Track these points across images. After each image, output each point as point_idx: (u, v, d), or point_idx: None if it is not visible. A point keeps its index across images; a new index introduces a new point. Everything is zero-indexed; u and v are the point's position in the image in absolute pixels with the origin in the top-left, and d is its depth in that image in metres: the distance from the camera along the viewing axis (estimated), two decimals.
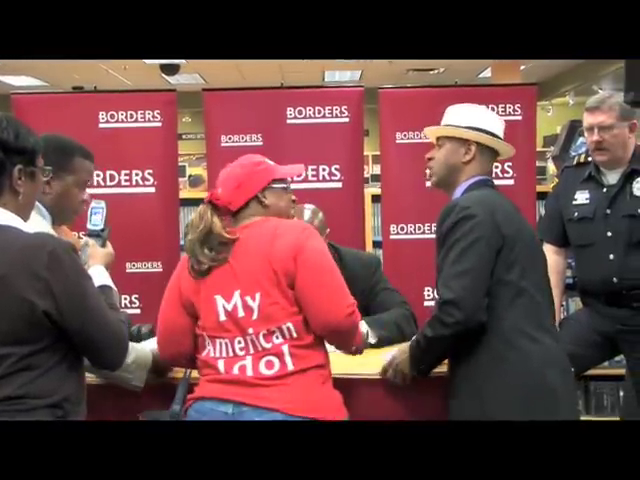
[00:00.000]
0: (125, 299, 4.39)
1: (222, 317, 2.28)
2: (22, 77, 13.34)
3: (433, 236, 4.48)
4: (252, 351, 2.24)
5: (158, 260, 4.48)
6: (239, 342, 2.25)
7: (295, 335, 2.24)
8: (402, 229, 4.52)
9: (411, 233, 4.52)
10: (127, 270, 4.42)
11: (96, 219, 2.45)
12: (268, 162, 2.51)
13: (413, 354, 2.50)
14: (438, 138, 2.66)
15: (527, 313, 2.38)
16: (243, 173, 2.43)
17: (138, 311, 4.38)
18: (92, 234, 2.44)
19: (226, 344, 2.28)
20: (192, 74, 13.42)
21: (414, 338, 2.54)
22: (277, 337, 2.23)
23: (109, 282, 2.27)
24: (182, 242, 4.61)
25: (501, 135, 2.65)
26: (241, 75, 13.24)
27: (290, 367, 2.22)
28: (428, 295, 4.50)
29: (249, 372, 2.23)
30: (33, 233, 2.01)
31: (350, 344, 2.41)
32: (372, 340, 3.00)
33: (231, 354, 2.27)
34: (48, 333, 1.97)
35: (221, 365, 2.28)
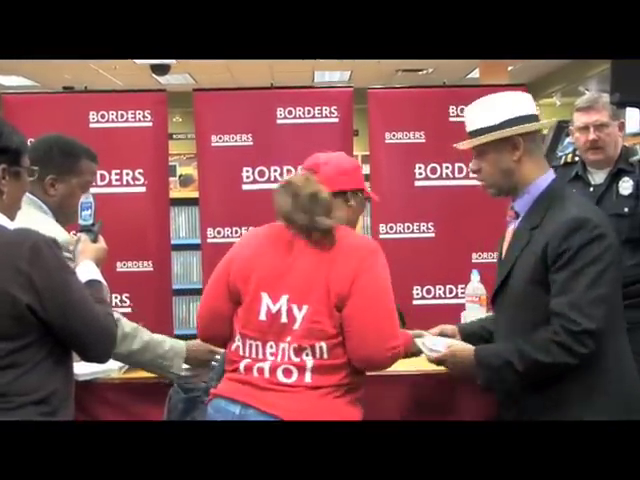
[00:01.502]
0: (116, 298, 4.38)
1: (262, 316, 2.19)
2: (12, 77, 13.28)
3: (422, 235, 4.62)
4: (279, 359, 2.16)
5: (149, 259, 4.47)
6: (271, 347, 2.18)
7: (326, 356, 2.15)
8: (391, 229, 4.53)
9: (400, 232, 4.53)
10: (117, 269, 4.41)
11: (85, 214, 2.44)
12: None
13: (496, 368, 2.22)
14: (475, 146, 2.37)
15: (622, 328, 2.25)
16: (350, 165, 2.36)
17: (129, 310, 4.37)
18: (83, 229, 2.43)
19: (256, 346, 2.20)
20: (182, 74, 13.40)
21: (502, 356, 2.22)
22: (307, 354, 2.15)
23: (98, 277, 2.26)
24: (172, 241, 4.69)
25: (533, 110, 2.38)
26: (231, 75, 13.22)
27: (307, 380, 2.14)
28: (417, 294, 4.51)
29: (266, 374, 2.17)
30: (15, 229, 2.01)
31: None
32: None
33: (258, 356, 2.20)
34: (33, 328, 1.96)
35: (242, 365, 2.22)
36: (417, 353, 2.50)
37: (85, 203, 2.45)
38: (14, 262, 1.93)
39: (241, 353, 2.23)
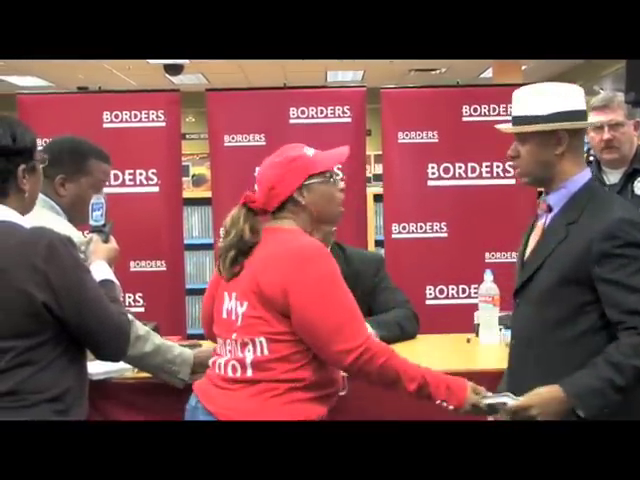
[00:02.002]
0: (129, 297, 4.39)
1: (224, 314, 2.26)
2: (27, 77, 13.35)
3: (435, 235, 4.61)
4: (229, 355, 2.21)
5: (162, 259, 4.48)
6: (228, 344, 2.23)
7: (266, 352, 2.15)
8: (404, 228, 4.52)
9: (413, 232, 4.52)
10: (131, 269, 4.42)
11: (97, 215, 2.44)
12: (306, 153, 2.28)
13: (599, 391, 2.06)
14: (518, 132, 2.29)
15: None
16: (275, 174, 2.25)
17: (142, 309, 4.38)
18: (94, 230, 2.43)
19: (221, 344, 2.27)
20: (195, 74, 13.43)
21: (600, 376, 2.07)
22: (249, 350, 2.16)
23: (110, 276, 2.27)
24: (186, 241, 4.70)
25: (583, 106, 2.28)
26: (244, 75, 13.24)
27: (248, 374, 2.16)
28: (430, 294, 4.50)
29: (221, 370, 2.22)
30: (31, 227, 2.02)
31: (381, 384, 2.17)
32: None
33: (220, 352, 2.26)
34: (48, 326, 1.97)
35: (212, 361, 2.30)
36: (477, 410, 2.18)
37: (96, 204, 2.46)
38: (30, 260, 1.94)
39: (217, 351, 2.30)
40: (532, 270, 2.27)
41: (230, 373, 2.20)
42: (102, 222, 2.44)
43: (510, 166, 2.34)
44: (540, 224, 2.34)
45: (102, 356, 2.13)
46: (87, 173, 2.71)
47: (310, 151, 2.29)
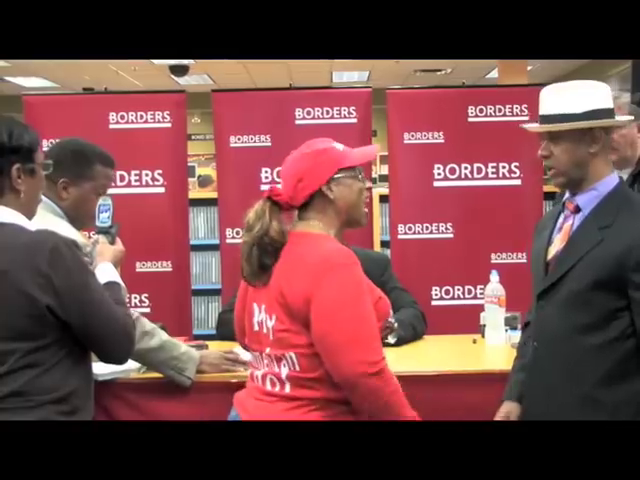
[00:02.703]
0: (135, 298, 4.39)
1: (255, 327, 2.19)
2: (33, 78, 13.37)
3: (441, 236, 4.61)
4: (266, 368, 2.16)
5: (168, 260, 4.48)
6: (262, 357, 2.18)
7: (297, 368, 2.09)
8: (410, 229, 4.52)
9: (419, 233, 4.51)
10: (137, 269, 4.42)
11: (104, 217, 2.44)
12: (336, 147, 2.22)
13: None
14: (551, 131, 2.23)
15: None
16: (304, 166, 2.17)
17: (148, 310, 4.38)
18: (101, 231, 2.43)
19: (256, 356, 2.22)
20: (201, 75, 13.43)
21: None
22: (284, 365, 2.11)
23: (116, 278, 2.27)
24: (191, 241, 4.70)
25: (612, 105, 2.25)
26: (249, 76, 13.24)
27: (287, 391, 2.11)
28: (436, 294, 4.49)
29: (259, 382, 2.18)
30: (35, 230, 2.02)
31: (378, 412, 2.06)
32: (392, 341, 3.00)
33: (257, 365, 2.21)
34: (52, 328, 1.97)
35: (250, 372, 2.26)
36: None
37: (103, 205, 2.46)
38: (34, 263, 1.94)
39: (254, 363, 2.25)
40: (562, 272, 2.21)
41: (269, 387, 2.15)
42: (109, 224, 2.44)
43: (546, 167, 2.26)
44: (567, 225, 2.27)
45: (106, 359, 2.13)
46: (91, 178, 2.70)
47: (339, 145, 2.23)
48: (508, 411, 2.35)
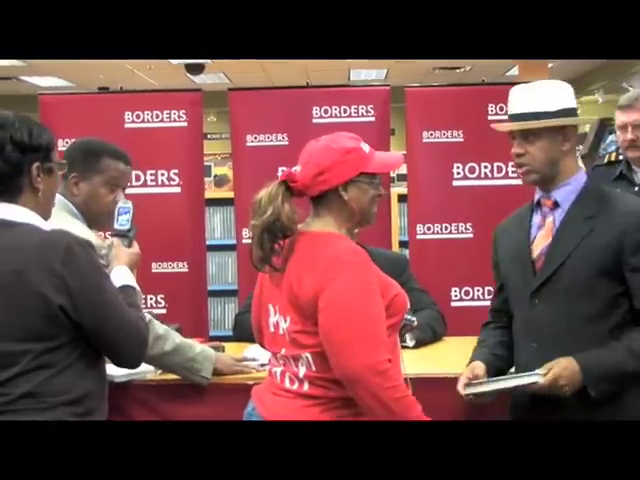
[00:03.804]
0: (151, 299, 4.42)
1: (271, 328, 2.21)
2: (48, 78, 13.46)
3: (460, 236, 4.60)
4: (284, 367, 2.18)
5: (184, 260, 4.50)
6: (280, 358, 2.20)
7: (313, 368, 2.11)
8: (429, 229, 4.51)
9: (438, 233, 4.51)
10: (153, 270, 4.44)
11: (123, 219, 2.46)
12: (362, 149, 2.19)
13: (619, 381, 2.18)
14: (523, 130, 2.30)
15: None
16: (328, 160, 2.13)
17: (164, 311, 4.40)
18: (118, 234, 2.45)
19: (274, 356, 2.24)
20: (217, 73, 13.47)
21: (619, 365, 2.18)
22: (301, 364, 2.13)
23: (132, 282, 2.29)
24: (208, 242, 4.71)
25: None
26: (266, 74, 13.26)
27: (305, 389, 2.13)
28: (455, 296, 4.49)
29: (278, 379, 2.20)
30: (50, 230, 2.04)
31: (382, 412, 2.02)
32: (410, 343, 3.01)
33: (275, 363, 2.24)
34: (66, 329, 1.99)
35: (269, 369, 2.29)
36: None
37: (123, 208, 2.48)
38: (48, 263, 1.96)
39: (272, 361, 2.27)
40: (554, 267, 2.26)
41: (287, 384, 2.17)
42: (128, 227, 2.45)
43: (518, 164, 2.33)
44: (549, 221, 2.34)
45: (119, 362, 2.14)
46: (100, 171, 2.72)
47: (366, 147, 2.21)
48: (473, 366, 2.39)
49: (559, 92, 2.29)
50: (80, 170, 2.70)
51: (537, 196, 2.39)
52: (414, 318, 2.76)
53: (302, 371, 2.13)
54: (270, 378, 2.26)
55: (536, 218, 2.37)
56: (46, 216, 2.11)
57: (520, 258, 2.37)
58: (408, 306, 2.28)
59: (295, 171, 2.18)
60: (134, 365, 2.18)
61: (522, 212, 2.46)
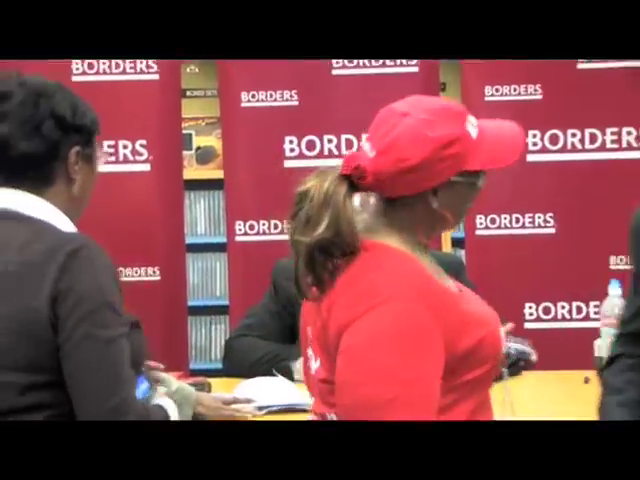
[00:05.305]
0: None
1: (307, 364, 2.17)
2: None
3: (537, 231, 4.57)
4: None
5: (154, 265, 4.52)
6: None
7: None
8: (493, 222, 4.51)
9: (506, 227, 4.51)
10: None
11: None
12: (469, 132, 2.03)
13: None
14: None
15: None
16: (420, 155, 1.93)
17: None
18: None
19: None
20: None
21: None
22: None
23: (173, 416, 2.36)
24: (187, 240, 4.71)
25: None
26: None
27: None
28: (530, 314, 4.48)
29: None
30: (66, 232, 2.14)
31: None
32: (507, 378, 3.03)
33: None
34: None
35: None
36: None
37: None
38: (45, 270, 2.03)
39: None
40: None
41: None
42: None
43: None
44: None
45: (76, 411, 2.10)
46: None
47: (472, 124, 2.06)
48: None
49: None
50: None
51: None
52: (529, 348, 2.73)
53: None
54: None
55: None
56: (76, 214, 2.23)
57: None
58: (503, 348, 2.22)
59: (363, 154, 1.98)
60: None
61: None
